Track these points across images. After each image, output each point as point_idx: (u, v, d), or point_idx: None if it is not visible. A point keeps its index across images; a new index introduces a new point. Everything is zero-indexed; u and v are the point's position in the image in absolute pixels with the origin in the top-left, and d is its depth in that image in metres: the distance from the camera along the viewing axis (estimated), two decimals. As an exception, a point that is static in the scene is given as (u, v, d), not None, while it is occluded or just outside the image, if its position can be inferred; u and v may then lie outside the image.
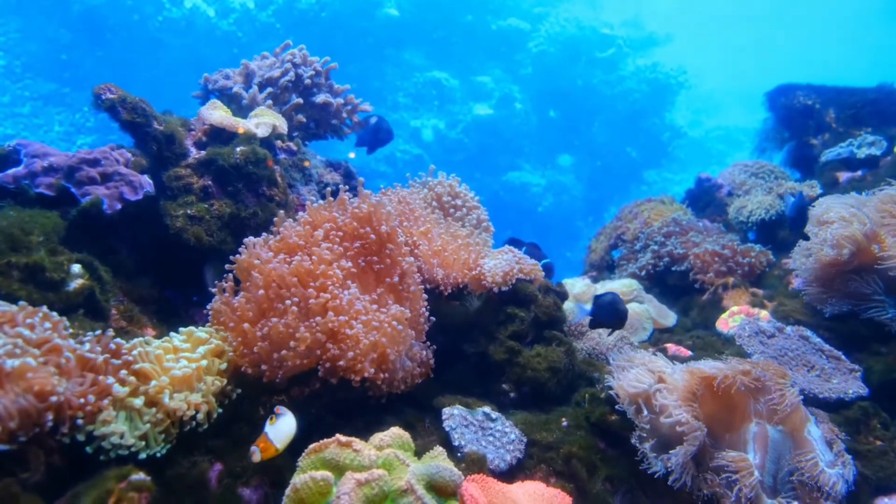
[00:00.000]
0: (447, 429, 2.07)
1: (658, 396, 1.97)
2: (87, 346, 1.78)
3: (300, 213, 2.52)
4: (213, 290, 2.26)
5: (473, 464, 1.91)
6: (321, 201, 2.49)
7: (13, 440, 1.52)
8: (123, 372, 1.79)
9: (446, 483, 1.61)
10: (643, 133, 15.72)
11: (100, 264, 2.26)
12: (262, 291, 2.11)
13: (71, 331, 1.82)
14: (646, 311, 3.43)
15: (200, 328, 2.19)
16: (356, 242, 2.34)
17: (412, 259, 2.46)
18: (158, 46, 13.03)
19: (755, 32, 28.39)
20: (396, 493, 1.54)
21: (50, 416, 1.57)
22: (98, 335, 1.85)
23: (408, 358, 2.25)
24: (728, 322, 3.12)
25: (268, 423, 1.73)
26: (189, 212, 2.55)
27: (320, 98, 3.39)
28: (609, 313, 2.48)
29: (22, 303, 1.77)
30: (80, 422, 1.64)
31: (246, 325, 2.07)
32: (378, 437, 1.74)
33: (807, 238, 2.98)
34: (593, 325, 2.64)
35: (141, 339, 2.04)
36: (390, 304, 2.28)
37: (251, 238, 2.32)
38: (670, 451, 1.86)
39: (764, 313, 3.05)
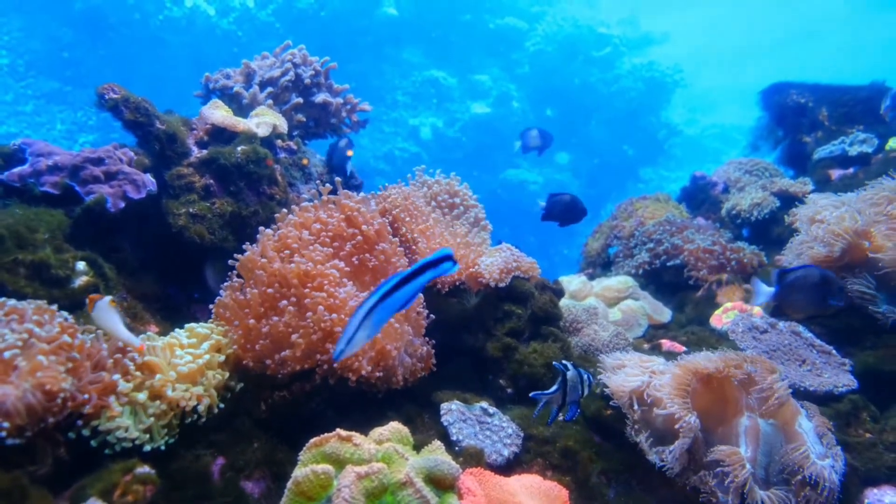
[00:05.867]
0: (445, 423, 2.10)
1: (651, 391, 2.00)
2: (96, 343, 1.82)
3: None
4: (215, 287, 2.29)
5: (471, 457, 1.94)
6: (315, 201, 2.52)
7: (21, 434, 1.55)
8: (131, 367, 1.83)
9: (444, 476, 1.65)
10: (639, 131, 15.76)
11: (104, 262, 2.30)
12: (270, 290, 2.14)
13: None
14: (641, 307, 3.47)
15: (201, 324, 2.23)
16: (347, 242, 2.38)
17: (406, 261, 2.50)
18: (159, 45, 13.06)
19: (750, 31, 28.40)
20: (396, 485, 1.57)
21: (56, 412, 1.60)
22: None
23: (407, 354, 2.29)
24: (722, 318, 3.16)
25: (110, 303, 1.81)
26: (191, 210, 2.59)
27: (320, 97, 3.43)
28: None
29: (39, 302, 1.80)
30: (79, 422, 1.67)
31: (251, 321, 2.11)
32: (378, 432, 1.77)
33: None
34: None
35: (145, 335, 2.07)
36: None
37: (268, 230, 2.35)
38: (669, 446, 1.90)
39: (757, 309, 3.09)
